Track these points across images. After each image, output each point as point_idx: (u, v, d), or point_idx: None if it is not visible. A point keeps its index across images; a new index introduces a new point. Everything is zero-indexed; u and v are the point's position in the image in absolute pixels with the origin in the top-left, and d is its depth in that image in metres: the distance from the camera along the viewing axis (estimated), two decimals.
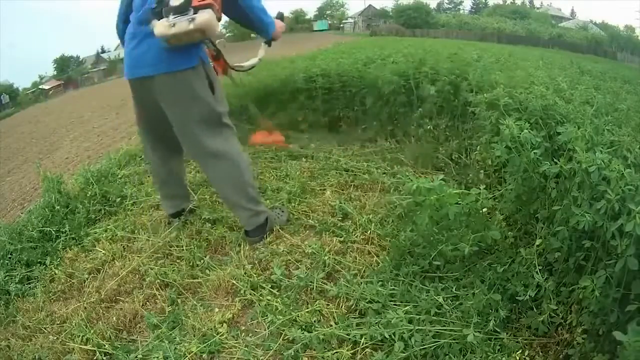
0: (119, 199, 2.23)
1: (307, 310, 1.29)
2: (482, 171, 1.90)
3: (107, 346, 1.27)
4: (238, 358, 1.18)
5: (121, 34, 1.65)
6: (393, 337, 1.12)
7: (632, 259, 0.86)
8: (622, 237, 0.89)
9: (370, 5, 40.21)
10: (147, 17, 1.44)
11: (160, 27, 1.39)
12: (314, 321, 1.25)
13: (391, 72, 2.65)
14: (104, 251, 1.78)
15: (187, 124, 1.58)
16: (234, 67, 1.74)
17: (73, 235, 1.97)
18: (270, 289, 1.41)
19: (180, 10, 1.37)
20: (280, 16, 1.82)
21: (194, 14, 1.37)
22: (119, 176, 2.54)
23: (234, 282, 1.47)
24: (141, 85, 1.57)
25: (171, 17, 1.37)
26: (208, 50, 1.58)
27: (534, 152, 1.24)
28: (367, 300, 1.27)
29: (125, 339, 1.33)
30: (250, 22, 1.72)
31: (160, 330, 1.30)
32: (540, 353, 1.11)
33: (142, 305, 1.45)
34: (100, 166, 2.71)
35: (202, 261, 1.61)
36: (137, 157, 2.93)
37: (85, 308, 1.47)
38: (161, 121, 1.62)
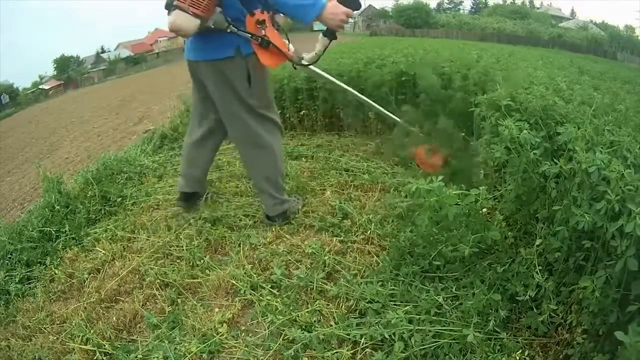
0: (119, 199, 2.23)
1: (307, 310, 1.29)
2: (482, 171, 1.90)
3: (107, 346, 1.27)
4: (238, 358, 1.18)
5: None
6: (393, 337, 1.12)
7: (632, 260, 0.86)
8: (622, 237, 0.89)
9: (370, 5, 40.16)
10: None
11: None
12: (314, 321, 1.25)
13: (391, 72, 2.64)
14: (104, 251, 1.78)
15: (227, 109, 1.67)
16: (293, 61, 1.68)
17: (73, 235, 1.97)
18: (270, 289, 1.42)
19: (169, 7, 1.39)
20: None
21: (172, 11, 1.36)
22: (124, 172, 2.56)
23: (234, 282, 1.47)
24: (194, 67, 1.67)
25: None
26: (252, 40, 1.51)
27: (534, 153, 1.24)
28: (367, 300, 1.27)
29: (125, 339, 1.33)
30: (284, 7, 1.52)
31: (160, 330, 1.30)
32: (540, 353, 1.10)
33: (142, 305, 1.45)
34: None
35: (202, 261, 1.61)
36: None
37: (85, 308, 1.47)
38: (209, 101, 1.72)
